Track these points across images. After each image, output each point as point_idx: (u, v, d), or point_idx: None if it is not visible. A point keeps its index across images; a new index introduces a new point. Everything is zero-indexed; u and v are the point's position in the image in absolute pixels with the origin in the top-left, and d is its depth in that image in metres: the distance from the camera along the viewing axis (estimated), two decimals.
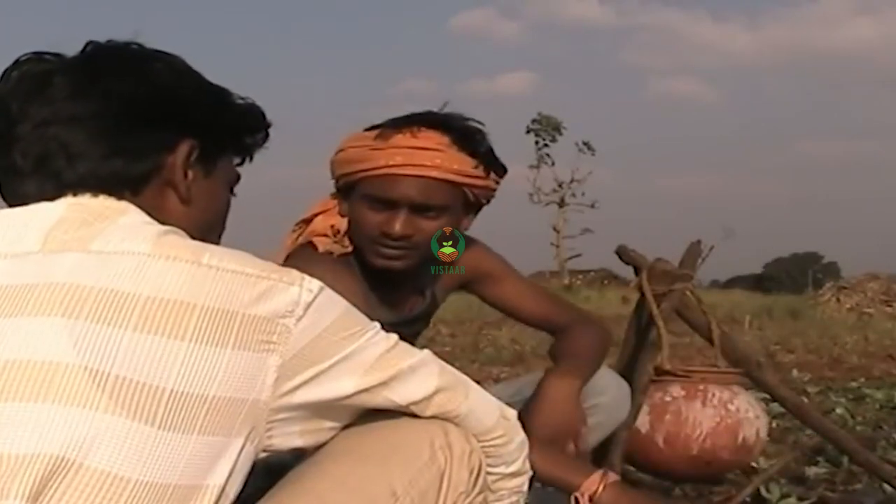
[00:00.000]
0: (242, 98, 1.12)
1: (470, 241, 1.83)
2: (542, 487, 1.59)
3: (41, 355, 0.84)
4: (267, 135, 1.16)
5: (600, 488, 1.49)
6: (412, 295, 1.83)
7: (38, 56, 1.04)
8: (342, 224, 1.74)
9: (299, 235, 1.78)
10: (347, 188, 1.72)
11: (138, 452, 0.83)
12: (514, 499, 1.17)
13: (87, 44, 1.06)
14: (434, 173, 1.64)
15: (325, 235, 1.74)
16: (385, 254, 1.67)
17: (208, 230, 1.09)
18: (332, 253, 1.71)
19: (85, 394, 0.83)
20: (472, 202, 1.73)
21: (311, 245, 1.73)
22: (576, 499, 1.50)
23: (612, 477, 1.52)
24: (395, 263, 1.68)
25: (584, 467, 1.57)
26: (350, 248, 1.72)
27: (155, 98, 1.02)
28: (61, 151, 0.98)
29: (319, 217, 1.77)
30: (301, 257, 1.69)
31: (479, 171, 1.68)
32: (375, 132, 1.68)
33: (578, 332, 1.89)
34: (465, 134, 1.68)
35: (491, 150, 1.71)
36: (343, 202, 1.74)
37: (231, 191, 1.15)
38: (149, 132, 1.02)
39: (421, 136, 1.65)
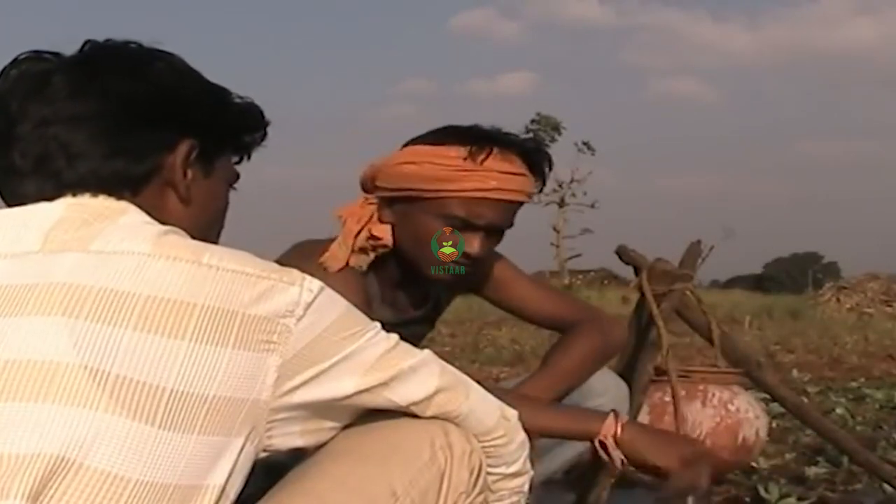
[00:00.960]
0: (241, 97, 1.12)
1: None
2: (542, 487, 1.59)
3: (41, 355, 0.84)
4: (265, 133, 1.16)
5: (619, 429, 1.54)
6: (417, 297, 1.83)
7: (36, 55, 1.03)
8: (384, 233, 1.69)
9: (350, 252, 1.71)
10: (406, 199, 1.67)
11: (138, 452, 0.83)
12: (514, 499, 1.17)
13: (85, 43, 1.05)
14: (519, 198, 1.66)
15: (364, 252, 1.70)
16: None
17: (208, 229, 1.09)
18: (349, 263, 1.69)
19: (85, 393, 0.83)
20: None
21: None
22: (601, 443, 1.54)
23: (624, 417, 1.57)
24: (456, 279, 1.70)
25: (595, 414, 1.60)
26: (371, 258, 1.70)
27: (155, 98, 1.02)
28: (61, 151, 0.98)
29: (363, 233, 1.71)
30: (301, 256, 1.68)
31: (537, 191, 1.71)
32: (457, 150, 1.63)
33: (577, 335, 1.85)
34: (540, 159, 1.69)
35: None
36: (385, 209, 1.69)
37: (231, 187, 1.15)
38: (149, 132, 1.01)
39: (513, 161, 1.65)
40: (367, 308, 1.02)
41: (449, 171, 1.63)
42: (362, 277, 1.70)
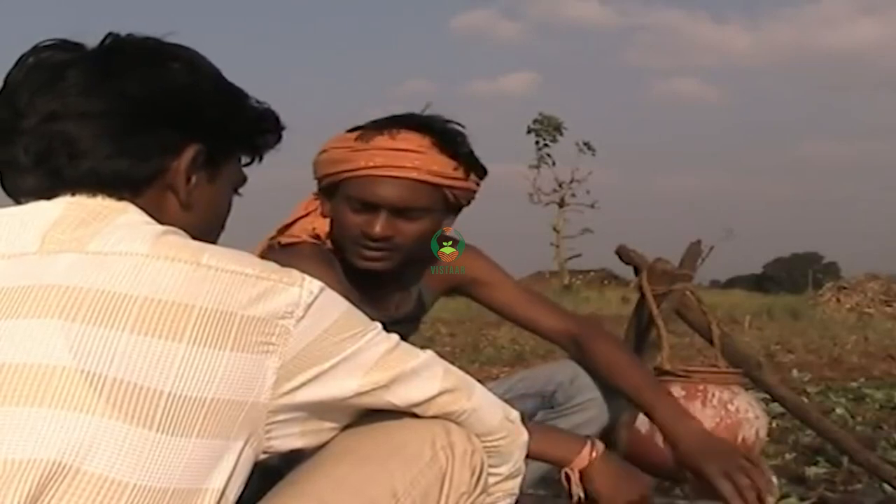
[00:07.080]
0: (259, 102, 1.10)
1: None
2: (540, 491, 1.58)
3: (37, 358, 0.84)
4: (280, 137, 1.14)
5: (589, 463, 1.50)
6: (395, 294, 1.83)
7: (57, 45, 1.01)
8: (323, 226, 1.74)
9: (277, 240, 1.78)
10: (331, 189, 1.72)
11: (136, 456, 0.82)
12: (506, 501, 1.16)
13: (107, 36, 1.03)
14: (414, 175, 1.65)
15: (301, 239, 1.74)
16: (366, 255, 1.68)
17: (206, 233, 1.07)
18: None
19: (82, 397, 0.82)
20: (452, 204, 1.74)
21: (286, 246, 1.74)
22: (566, 474, 1.51)
23: (600, 448, 1.52)
24: (377, 264, 1.69)
25: (572, 440, 1.55)
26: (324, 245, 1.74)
27: (168, 101, 1.00)
28: (64, 148, 0.96)
29: (302, 220, 1.77)
30: (282, 254, 1.69)
31: (460, 173, 1.69)
32: (357, 133, 1.68)
33: (608, 348, 1.86)
34: (445, 136, 1.68)
35: (471, 152, 1.72)
36: (326, 202, 1.74)
37: (236, 191, 1.13)
38: (157, 135, 1.00)
39: (400, 138, 1.65)
40: None
41: (343, 152, 1.67)
42: (337, 272, 1.71)
